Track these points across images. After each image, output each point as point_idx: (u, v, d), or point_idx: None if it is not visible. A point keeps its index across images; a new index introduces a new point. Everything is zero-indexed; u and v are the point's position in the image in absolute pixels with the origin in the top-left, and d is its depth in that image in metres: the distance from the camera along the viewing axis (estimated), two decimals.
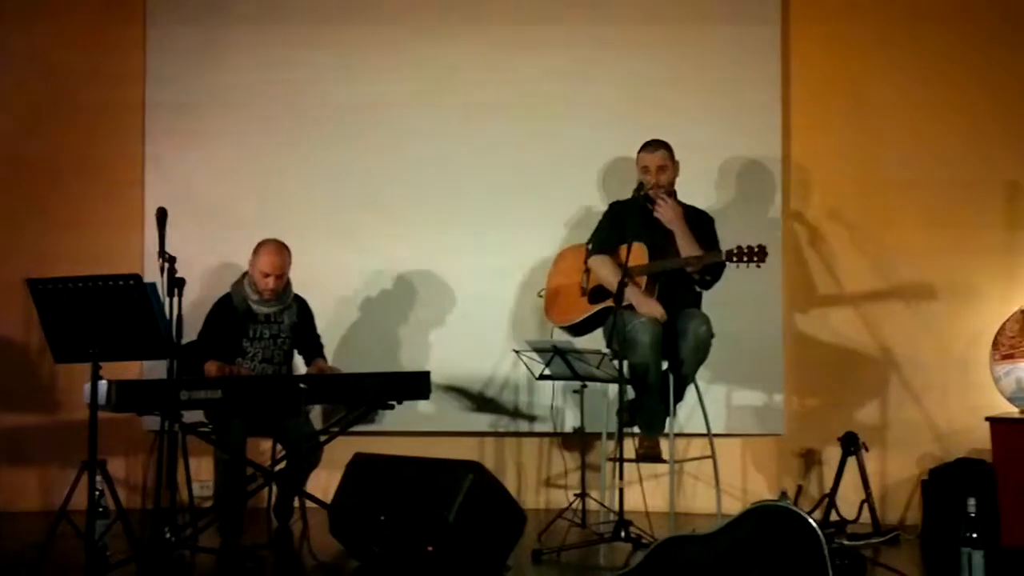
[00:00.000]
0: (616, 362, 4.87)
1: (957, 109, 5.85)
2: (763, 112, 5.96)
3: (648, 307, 5.05)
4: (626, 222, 5.23)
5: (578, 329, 5.41)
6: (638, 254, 5.05)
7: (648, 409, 5.10)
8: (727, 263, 4.99)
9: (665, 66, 6.04)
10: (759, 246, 4.91)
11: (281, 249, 5.38)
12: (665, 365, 5.16)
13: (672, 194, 5.27)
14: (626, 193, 5.33)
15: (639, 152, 5.31)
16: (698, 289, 5.24)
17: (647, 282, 5.15)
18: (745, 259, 4.91)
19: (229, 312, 5.38)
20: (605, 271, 5.26)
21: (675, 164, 5.29)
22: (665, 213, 5.17)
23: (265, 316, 5.42)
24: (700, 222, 5.28)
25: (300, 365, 5.71)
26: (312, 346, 5.62)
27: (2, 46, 6.29)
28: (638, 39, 6.07)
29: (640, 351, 4.96)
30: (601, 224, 5.43)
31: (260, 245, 5.39)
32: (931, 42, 5.90)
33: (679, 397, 5.20)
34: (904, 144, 5.90)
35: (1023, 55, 5.83)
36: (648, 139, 5.31)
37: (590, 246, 5.40)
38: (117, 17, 6.34)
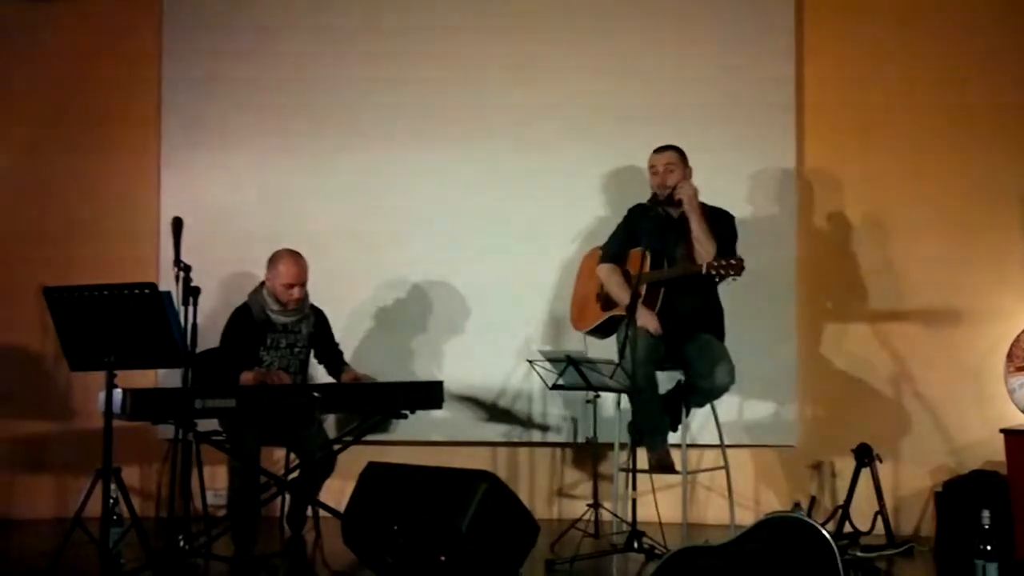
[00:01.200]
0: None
1: (973, 123, 5.82)
2: (777, 128, 5.95)
3: (643, 319, 5.04)
4: (640, 228, 5.23)
5: (597, 333, 5.42)
6: (638, 258, 5.03)
7: (648, 423, 5.06)
8: (710, 272, 4.92)
9: (680, 80, 6.05)
10: (737, 259, 4.87)
11: (299, 258, 5.39)
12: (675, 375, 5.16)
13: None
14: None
15: (650, 155, 5.32)
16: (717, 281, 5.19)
17: (648, 291, 5.13)
18: (723, 271, 4.87)
19: (247, 321, 5.38)
20: (611, 283, 5.28)
21: (685, 167, 5.27)
22: (685, 190, 5.10)
23: (283, 326, 5.43)
24: (719, 219, 5.24)
25: (316, 375, 5.73)
26: (334, 356, 5.63)
27: (18, 57, 6.33)
28: (652, 53, 6.08)
29: (633, 362, 4.91)
30: (616, 231, 5.43)
31: (277, 257, 5.39)
32: (943, 55, 5.88)
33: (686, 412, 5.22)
34: (918, 157, 5.88)
35: None
36: None
37: (602, 252, 5.42)
38: (133, 28, 6.39)
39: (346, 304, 6.06)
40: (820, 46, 6.02)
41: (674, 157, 5.25)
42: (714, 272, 4.88)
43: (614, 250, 5.36)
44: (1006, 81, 5.82)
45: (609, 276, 5.31)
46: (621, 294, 5.16)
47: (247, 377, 5.26)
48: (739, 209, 5.80)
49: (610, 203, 5.97)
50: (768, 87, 5.97)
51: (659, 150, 5.29)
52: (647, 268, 5.07)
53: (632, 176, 5.83)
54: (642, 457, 5.05)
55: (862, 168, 5.96)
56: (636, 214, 5.36)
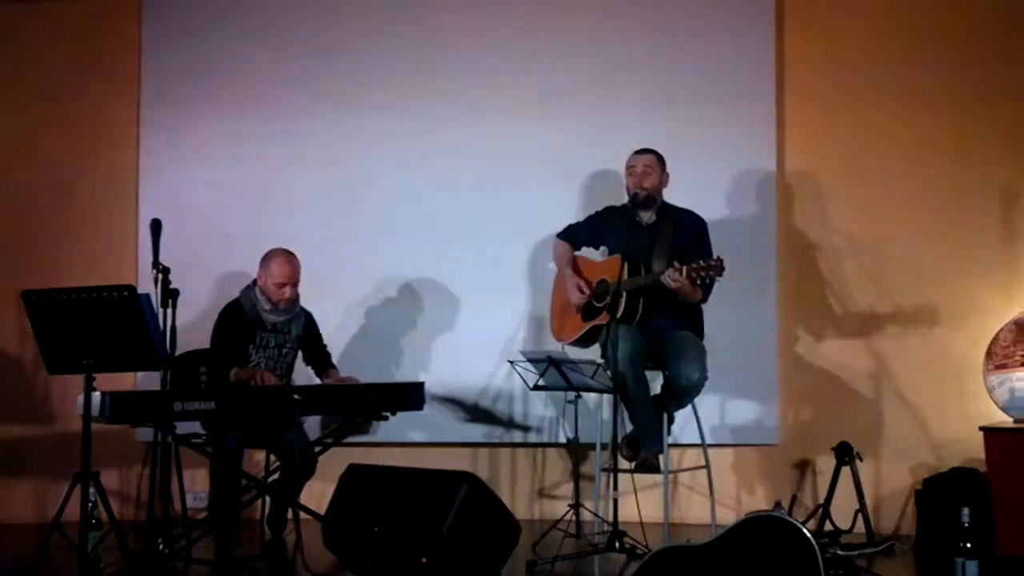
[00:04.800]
0: (610, 372, 4.87)
1: (952, 121, 5.83)
2: (757, 129, 5.95)
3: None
4: (609, 229, 5.28)
5: (579, 342, 5.42)
6: (615, 266, 5.03)
7: (639, 422, 5.09)
8: (690, 275, 4.87)
9: (661, 82, 6.05)
10: (715, 259, 4.83)
11: (291, 258, 5.41)
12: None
13: (652, 198, 5.24)
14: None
15: (630, 156, 5.33)
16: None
17: (627, 300, 5.10)
18: (703, 274, 4.82)
19: (239, 318, 5.39)
20: (557, 256, 5.53)
21: (663, 173, 5.29)
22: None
23: (272, 325, 5.43)
24: (692, 228, 5.27)
25: (301, 377, 5.71)
26: (322, 358, 5.64)
27: None
28: (635, 56, 6.08)
29: (617, 365, 4.91)
30: (585, 220, 5.52)
31: (269, 256, 5.39)
32: (924, 57, 5.89)
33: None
34: (899, 156, 5.89)
35: (1017, 64, 5.84)
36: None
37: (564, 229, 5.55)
38: (112, 29, 6.39)
39: (328, 306, 6.04)
40: (801, 46, 6.02)
41: (652, 160, 5.27)
42: (695, 275, 4.86)
43: (574, 235, 5.52)
44: (987, 82, 5.83)
45: (556, 247, 5.54)
46: (561, 263, 5.46)
47: (235, 373, 5.27)
48: (719, 210, 5.83)
49: (592, 205, 5.91)
50: (748, 88, 5.97)
51: (639, 152, 5.31)
52: (625, 277, 5.04)
53: (614, 179, 5.81)
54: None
55: (842, 168, 5.96)
56: (606, 215, 5.43)
